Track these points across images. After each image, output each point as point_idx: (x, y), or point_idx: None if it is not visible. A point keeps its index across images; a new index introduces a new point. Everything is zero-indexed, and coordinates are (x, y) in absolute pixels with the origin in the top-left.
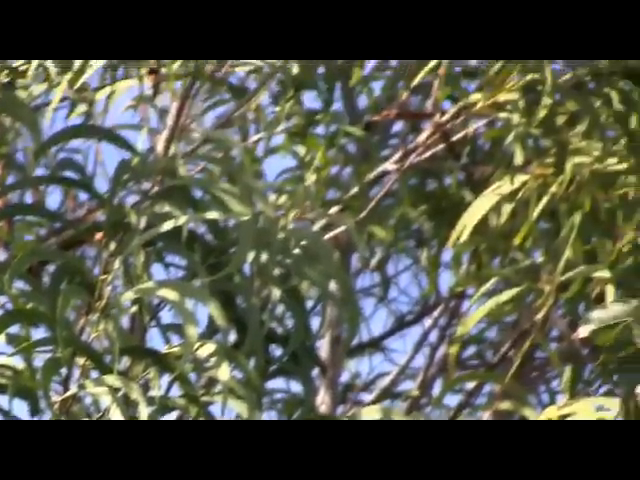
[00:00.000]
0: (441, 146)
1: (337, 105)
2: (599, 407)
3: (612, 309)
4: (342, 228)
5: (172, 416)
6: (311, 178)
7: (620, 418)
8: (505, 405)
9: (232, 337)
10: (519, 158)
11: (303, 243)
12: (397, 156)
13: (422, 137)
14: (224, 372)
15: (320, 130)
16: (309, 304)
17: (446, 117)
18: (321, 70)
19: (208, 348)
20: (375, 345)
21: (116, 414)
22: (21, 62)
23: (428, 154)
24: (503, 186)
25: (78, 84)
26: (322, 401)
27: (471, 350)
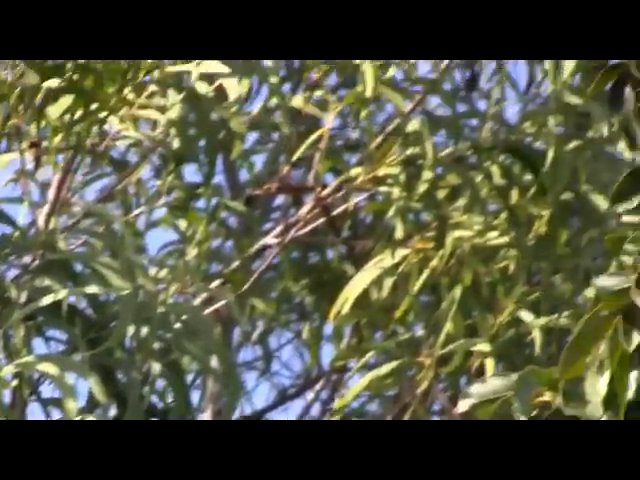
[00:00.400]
0: (322, 220)
1: (218, 179)
2: None
3: (491, 383)
4: (223, 302)
5: None
6: (192, 252)
7: None
8: None
9: (112, 411)
10: (400, 232)
11: (184, 317)
12: (278, 230)
13: (303, 211)
14: None
15: (201, 204)
16: (190, 378)
17: (327, 191)
18: (202, 143)
19: None
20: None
21: None
22: None
23: (309, 228)
24: (384, 260)
25: None
26: None
27: None
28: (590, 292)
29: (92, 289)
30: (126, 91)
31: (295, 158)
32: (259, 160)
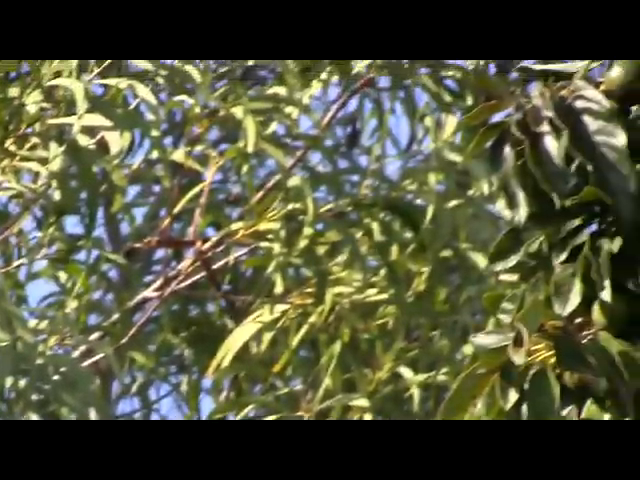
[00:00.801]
0: (203, 273)
1: (99, 231)
2: None
3: None
4: (102, 354)
5: None
6: (72, 304)
7: None
8: None
9: None
10: (279, 287)
11: (62, 369)
12: (159, 283)
13: (184, 264)
14: None
15: (82, 256)
16: None
17: (208, 245)
18: (83, 196)
19: None
20: None
21: None
22: None
23: (190, 281)
24: (264, 314)
25: None
26: None
27: None
28: (468, 349)
29: None
30: (8, 143)
31: (176, 211)
32: (140, 213)
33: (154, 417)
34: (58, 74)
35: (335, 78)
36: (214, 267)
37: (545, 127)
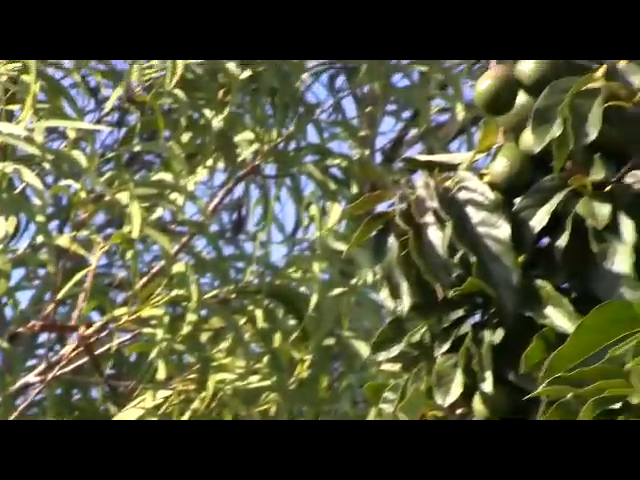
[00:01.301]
0: (86, 358)
1: None
2: None
3: None
4: None
5: None
6: None
7: None
8: None
9: None
10: (162, 373)
11: None
12: (42, 367)
13: (67, 349)
14: None
15: None
16: None
17: (91, 330)
18: None
19: None
20: None
21: None
22: None
23: (73, 366)
24: (146, 400)
25: None
26: None
27: None
28: None
29: None
30: None
31: (60, 296)
32: (24, 297)
33: None
34: None
35: (221, 165)
36: (97, 352)
37: (429, 218)
